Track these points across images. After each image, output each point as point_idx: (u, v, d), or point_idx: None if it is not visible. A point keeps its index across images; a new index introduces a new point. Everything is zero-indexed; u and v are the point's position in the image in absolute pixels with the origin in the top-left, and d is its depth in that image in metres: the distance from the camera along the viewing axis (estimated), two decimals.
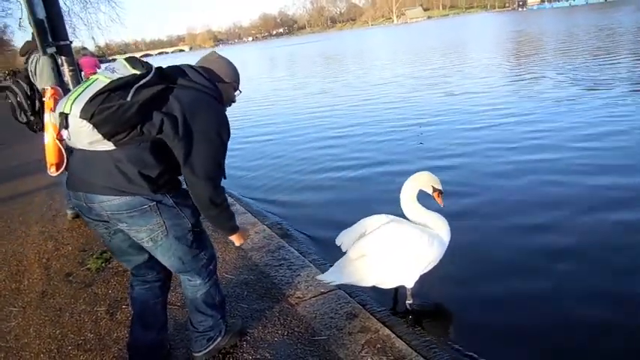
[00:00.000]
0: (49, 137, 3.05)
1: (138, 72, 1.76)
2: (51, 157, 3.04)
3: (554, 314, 2.75)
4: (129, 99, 1.69)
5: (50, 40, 3.03)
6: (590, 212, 3.89)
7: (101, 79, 1.74)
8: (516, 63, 14.39)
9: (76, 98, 1.70)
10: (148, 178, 1.81)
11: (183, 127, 1.80)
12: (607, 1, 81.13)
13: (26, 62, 3.86)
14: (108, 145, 1.76)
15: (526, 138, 6.17)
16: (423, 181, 2.74)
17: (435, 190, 2.72)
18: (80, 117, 1.67)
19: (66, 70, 3.22)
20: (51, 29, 3.09)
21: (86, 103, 1.67)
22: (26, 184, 6.58)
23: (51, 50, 3.13)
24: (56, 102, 3.08)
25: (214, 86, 1.97)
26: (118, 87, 1.70)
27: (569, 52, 14.96)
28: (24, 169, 7.55)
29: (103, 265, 3.56)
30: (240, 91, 2.18)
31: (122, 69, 1.79)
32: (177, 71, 1.92)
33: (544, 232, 3.69)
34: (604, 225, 3.68)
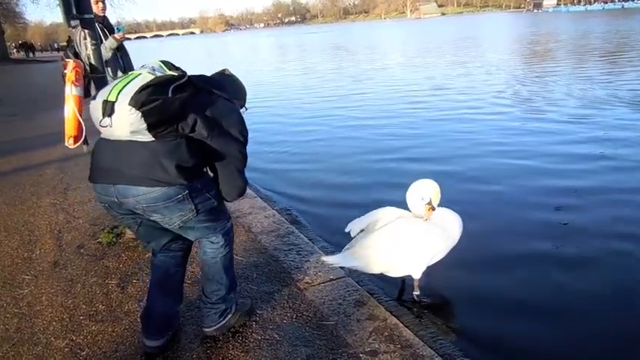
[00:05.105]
0: (68, 109, 3.08)
1: (175, 74, 1.98)
2: (70, 129, 3.07)
3: (563, 308, 2.78)
4: (169, 95, 1.89)
5: (75, 12, 3.05)
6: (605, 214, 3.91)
7: (144, 74, 1.92)
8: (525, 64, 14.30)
9: (122, 88, 1.86)
10: (184, 170, 1.94)
11: (215, 128, 2.02)
12: (623, 8, 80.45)
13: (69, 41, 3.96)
14: (147, 137, 1.89)
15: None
16: (425, 189, 2.68)
17: (428, 202, 2.65)
18: (129, 104, 1.81)
19: (88, 43, 3.25)
20: (76, 3, 3.11)
21: (135, 93, 1.82)
22: (38, 156, 6.61)
23: (75, 23, 3.15)
24: (77, 75, 3.11)
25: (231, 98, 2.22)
26: (160, 83, 1.89)
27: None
28: (36, 141, 7.58)
29: (114, 239, 3.60)
30: (247, 109, 2.38)
31: (160, 70, 2.00)
32: (204, 79, 2.17)
33: (555, 228, 3.73)
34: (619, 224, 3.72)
